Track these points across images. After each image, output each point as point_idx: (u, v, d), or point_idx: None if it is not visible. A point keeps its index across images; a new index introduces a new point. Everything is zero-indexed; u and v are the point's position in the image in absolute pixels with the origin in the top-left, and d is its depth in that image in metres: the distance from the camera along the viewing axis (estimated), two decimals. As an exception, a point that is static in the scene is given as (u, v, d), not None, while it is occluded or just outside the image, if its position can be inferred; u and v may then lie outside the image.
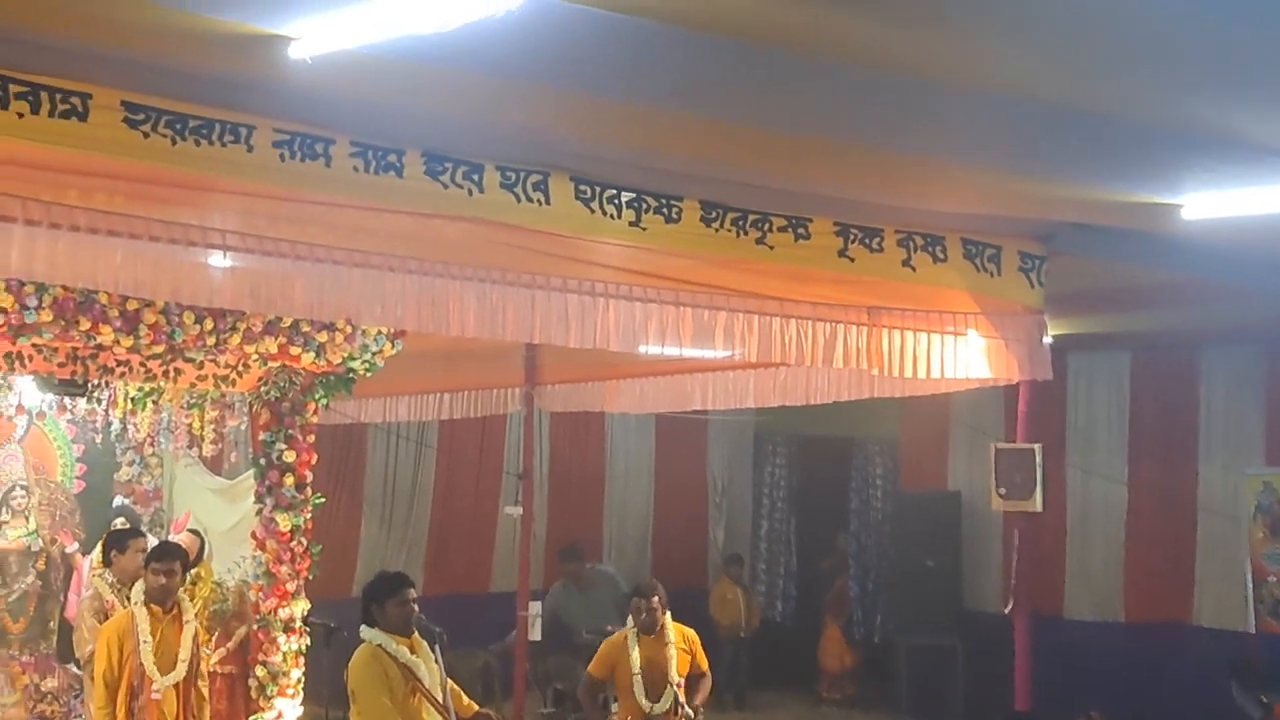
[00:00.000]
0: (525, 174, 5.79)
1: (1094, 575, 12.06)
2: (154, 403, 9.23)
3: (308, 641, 8.78)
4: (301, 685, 8.82)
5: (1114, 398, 12.02)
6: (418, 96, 5.15)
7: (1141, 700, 10.82)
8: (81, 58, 4.70)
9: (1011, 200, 6.89)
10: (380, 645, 6.42)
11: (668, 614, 8.00)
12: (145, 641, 7.42)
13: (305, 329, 8.12)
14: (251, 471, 9.13)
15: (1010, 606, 9.15)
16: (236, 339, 7.91)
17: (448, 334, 6.34)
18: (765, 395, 9.68)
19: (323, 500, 9.19)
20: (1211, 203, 6.42)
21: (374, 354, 8.51)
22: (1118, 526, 11.92)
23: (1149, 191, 6.37)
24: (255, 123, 5.13)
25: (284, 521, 8.71)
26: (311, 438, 8.88)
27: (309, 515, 8.86)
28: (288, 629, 8.72)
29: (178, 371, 8.28)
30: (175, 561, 7.63)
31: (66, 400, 9.09)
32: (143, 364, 8.10)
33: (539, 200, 5.83)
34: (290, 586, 8.74)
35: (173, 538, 9.27)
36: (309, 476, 8.87)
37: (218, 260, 5.84)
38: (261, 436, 8.84)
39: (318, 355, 8.28)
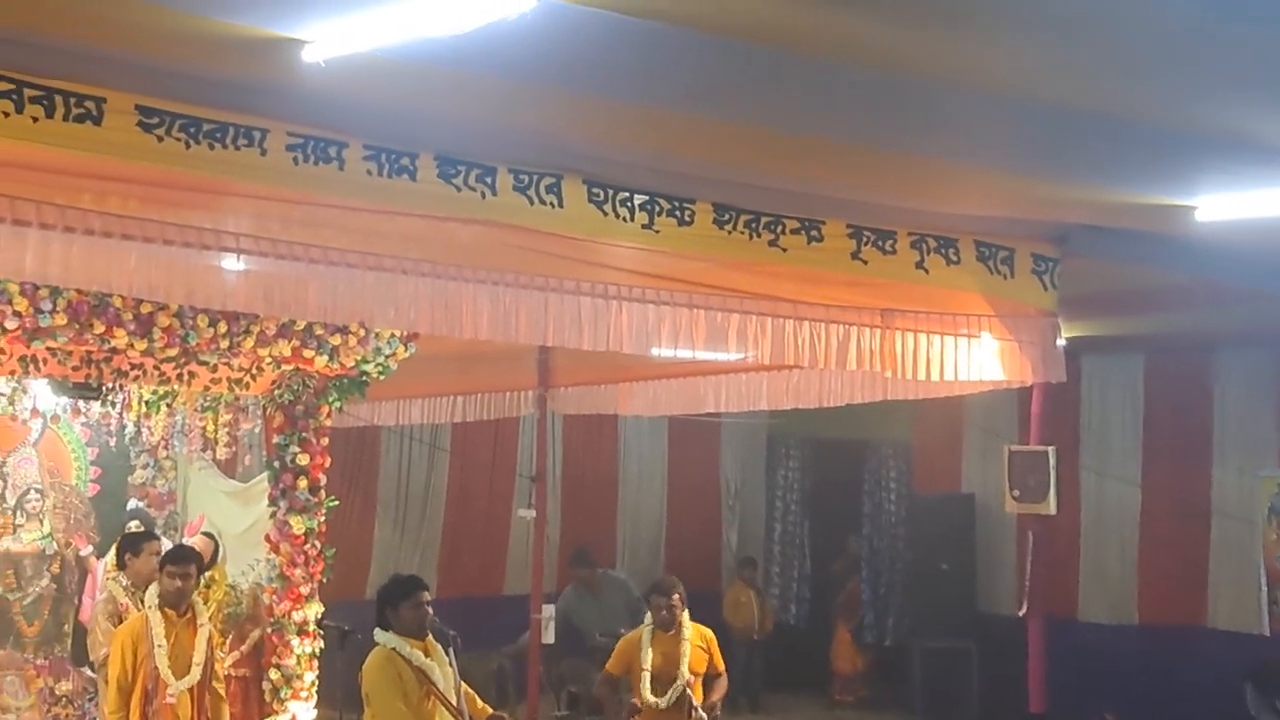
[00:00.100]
0: (538, 177, 5.78)
1: (1108, 578, 12.04)
2: (168, 406, 9.25)
3: (321, 644, 8.80)
4: (315, 688, 8.84)
5: (1128, 400, 12.00)
6: (431, 99, 5.15)
7: (1156, 703, 10.78)
8: (96, 62, 4.70)
9: (1025, 202, 6.88)
10: (394, 648, 6.43)
11: (686, 612, 8.01)
12: (160, 646, 7.41)
13: (319, 332, 8.14)
14: (265, 474, 9.15)
15: (1024, 609, 9.15)
16: (250, 342, 7.92)
17: (461, 337, 6.34)
18: (778, 398, 9.66)
19: (336, 503, 9.22)
20: (1226, 204, 6.39)
21: (387, 357, 8.52)
22: (1132, 529, 11.90)
23: (1163, 193, 6.35)
24: (269, 126, 5.13)
25: (298, 524, 8.73)
26: (325, 441, 8.90)
27: (323, 518, 8.88)
28: (301, 632, 8.74)
29: (191, 375, 8.30)
30: (191, 565, 7.63)
31: (81, 404, 9.12)
32: (157, 367, 8.12)
33: (552, 203, 5.83)
34: (304, 589, 8.76)
35: (187, 540, 9.29)
36: (322, 479, 8.89)
37: (231, 263, 5.85)
38: (275, 439, 8.86)
39: (331, 358, 8.29)
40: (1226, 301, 8.95)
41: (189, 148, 4.96)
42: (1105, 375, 12.03)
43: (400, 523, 13.17)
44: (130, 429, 9.63)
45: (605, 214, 5.99)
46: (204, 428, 9.47)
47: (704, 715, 7.78)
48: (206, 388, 8.75)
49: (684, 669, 7.84)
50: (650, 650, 7.92)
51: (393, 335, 8.40)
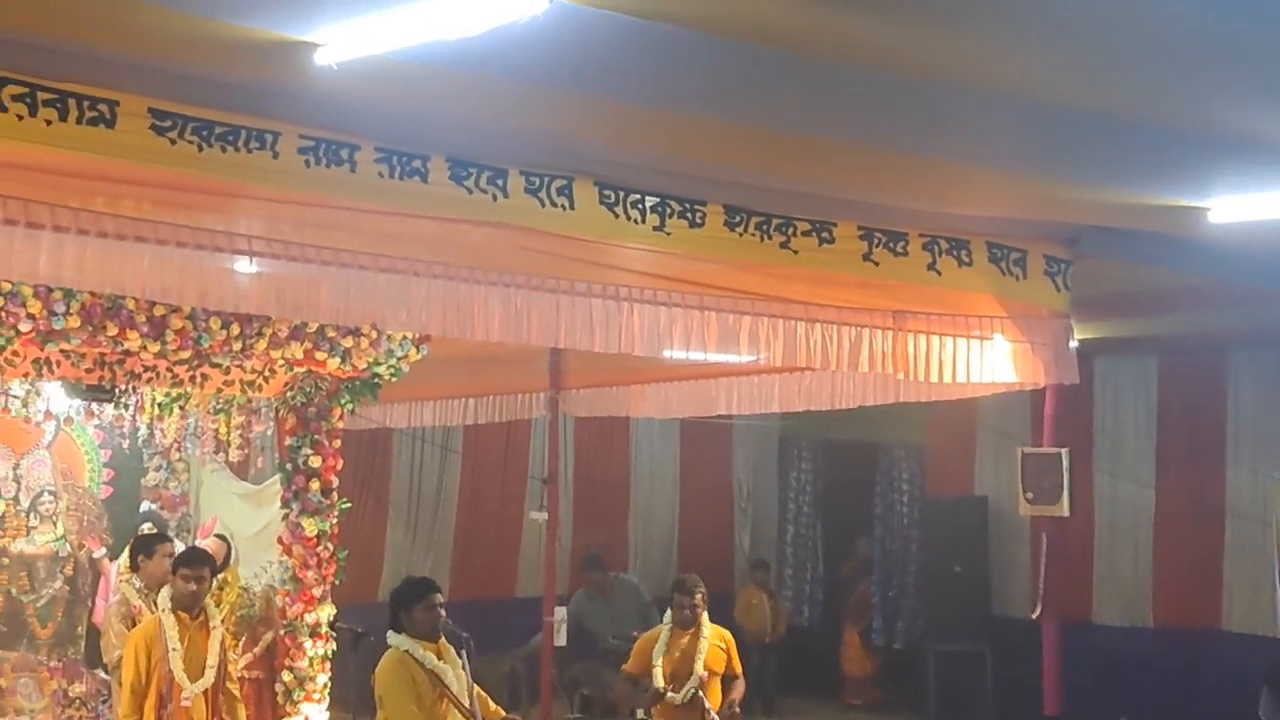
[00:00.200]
0: (549, 179, 5.79)
1: (1122, 580, 12.01)
2: (181, 408, 9.25)
3: (334, 646, 8.80)
4: (328, 690, 8.84)
5: (1141, 402, 11.98)
6: (442, 102, 5.16)
7: (1171, 706, 10.75)
8: (109, 65, 4.72)
9: (1037, 204, 6.87)
10: (407, 651, 6.42)
11: (705, 613, 8.01)
12: (174, 649, 7.37)
13: (331, 334, 8.15)
14: (278, 476, 9.16)
15: (1038, 611, 9.12)
16: (263, 344, 7.93)
17: (472, 339, 6.35)
18: (790, 400, 9.65)
19: (348, 505, 9.22)
20: (1239, 206, 6.38)
21: (399, 359, 8.53)
22: (1146, 531, 11.87)
23: (1175, 194, 6.34)
24: (281, 129, 5.15)
25: (310, 526, 8.74)
26: (337, 443, 8.91)
27: (335, 520, 8.89)
28: (314, 634, 8.75)
29: (204, 377, 8.32)
30: (204, 568, 7.59)
31: (94, 406, 9.12)
32: (169, 369, 8.14)
33: (563, 205, 5.84)
34: (316, 591, 8.77)
35: (199, 543, 9.31)
36: (335, 481, 8.90)
37: (244, 265, 5.87)
38: (287, 442, 8.87)
39: (343, 360, 8.30)
40: (1240, 303, 8.93)
41: (201, 150, 4.98)
42: (1118, 377, 12.01)
43: (412, 525, 13.17)
44: (143, 431, 9.63)
45: (616, 216, 6.00)
46: (216, 430, 9.48)
47: (716, 718, 7.77)
48: (219, 390, 8.76)
49: (699, 666, 7.84)
50: (668, 646, 7.92)
51: (405, 337, 8.40)
